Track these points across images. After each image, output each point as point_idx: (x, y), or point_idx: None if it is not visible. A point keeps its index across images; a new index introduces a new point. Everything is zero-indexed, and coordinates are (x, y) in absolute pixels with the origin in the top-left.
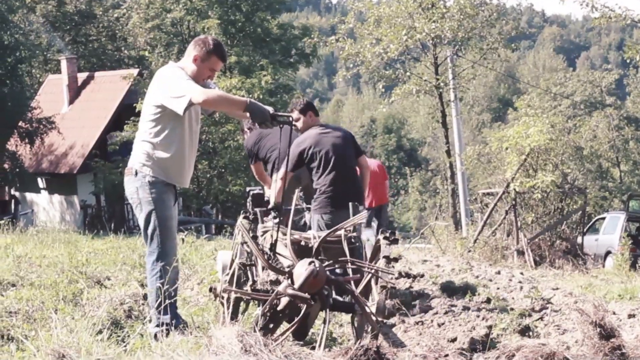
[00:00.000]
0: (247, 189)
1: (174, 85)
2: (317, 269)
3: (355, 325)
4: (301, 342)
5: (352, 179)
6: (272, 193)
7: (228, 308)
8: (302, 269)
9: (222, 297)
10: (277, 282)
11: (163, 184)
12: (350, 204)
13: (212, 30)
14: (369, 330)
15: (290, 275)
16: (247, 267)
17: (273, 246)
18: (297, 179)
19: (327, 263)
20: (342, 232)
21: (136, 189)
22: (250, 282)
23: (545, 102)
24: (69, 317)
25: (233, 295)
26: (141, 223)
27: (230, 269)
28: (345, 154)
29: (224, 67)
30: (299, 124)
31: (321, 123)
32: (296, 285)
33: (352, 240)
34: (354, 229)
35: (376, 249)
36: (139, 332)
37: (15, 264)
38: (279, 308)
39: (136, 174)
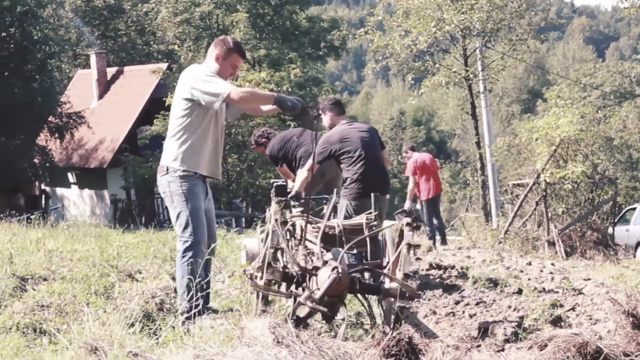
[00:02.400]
0: (272, 181)
1: (208, 84)
2: (340, 275)
3: (383, 308)
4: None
5: (380, 168)
6: (296, 183)
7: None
8: (325, 276)
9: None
10: (305, 270)
11: (194, 177)
12: (372, 194)
13: (241, 23)
14: (395, 307)
15: (316, 269)
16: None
17: (302, 235)
18: (322, 174)
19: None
20: (363, 222)
21: (168, 183)
22: (281, 266)
23: (575, 92)
24: (101, 311)
25: (265, 280)
26: (173, 215)
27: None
28: (372, 144)
29: (253, 61)
30: (327, 122)
31: (346, 118)
32: (318, 294)
33: (374, 228)
34: (374, 218)
35: (399, 234)
36: (171, 325)
37: (47, 258)
38: (301, 316)
39: (167, 170)
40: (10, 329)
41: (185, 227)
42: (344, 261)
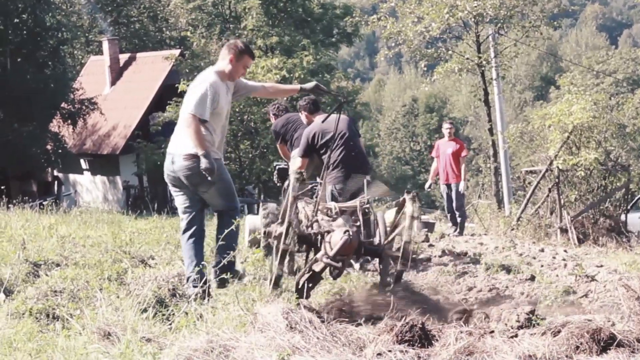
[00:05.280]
0: (274, 163)
1: (200, 98)
2: (351, 237)
3: (381, 269)
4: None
5: (358, 152)
6: (290, 170)
7: (277, 254)
8: (338, 238)
9: (273, 242)
10: (316, 235)
11: (219, 160)
12: (365, 180)
13: (253, 10)
14: (392, 271)
15: (329, 232)
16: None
17: (315, 210)
18: (312, 159)
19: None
20: (357, 203)
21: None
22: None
23: (587, 80)
24: (114, 296)
25: (281, 246)
26: (216, 193)
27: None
28: (348, 132)
29: (265, 48)
30: (303, 119)
31: (321, 113)
32: (332, 253)
33: (366, 210)
34: (367, 201)
35: (401, 205)
36: (184, 310)
37: (60, 244)
38: (317, 270)
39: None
40: (23, 314)
41: (232, 197)
42: (352, 226)
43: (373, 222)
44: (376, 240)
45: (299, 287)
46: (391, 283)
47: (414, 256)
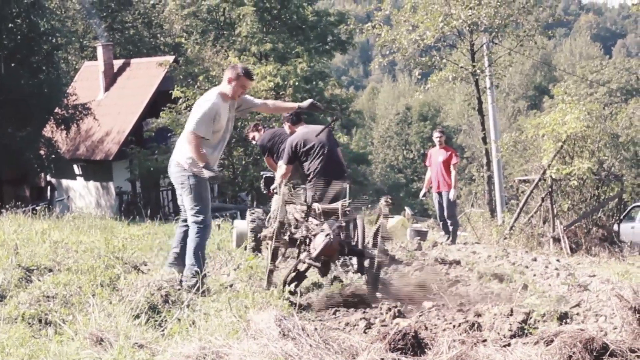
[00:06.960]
0: (261, 172)
1: (199, 117)
2: (332, 240)
3: (365, 266)
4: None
5: (336, 161)
6: (276, 180)
7: (270, 253)
8: (320, 240)
9: (267, 243)
10: (307, 237)
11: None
12: (346, 186)
13: (248, 17)
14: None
15: (314, 235)
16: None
17: (307, 213)
18: (296, 168)
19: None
20: (339, 206)
21: (187, 177)
22: (288, 233)
23: (581, 89)
24: (107, 302)
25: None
26: (191, 201)
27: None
28: (327, 143)
29: (260, 55)
30: (287, 130)
31: (304, 124)
32: (314, 254)
33: (347, 212)
34: (349, 204)
35: (378, 211)
36: (177, 317)
37: (52, 250)
38: (301, 270)
39: (185, 167)
40: (15, 319)
41: (202, 210)
42: (335, 229)
43: (352, 225)
44: (354, 241)
45: (285, 284)
46: (372, 278)
47: (403, 260)
